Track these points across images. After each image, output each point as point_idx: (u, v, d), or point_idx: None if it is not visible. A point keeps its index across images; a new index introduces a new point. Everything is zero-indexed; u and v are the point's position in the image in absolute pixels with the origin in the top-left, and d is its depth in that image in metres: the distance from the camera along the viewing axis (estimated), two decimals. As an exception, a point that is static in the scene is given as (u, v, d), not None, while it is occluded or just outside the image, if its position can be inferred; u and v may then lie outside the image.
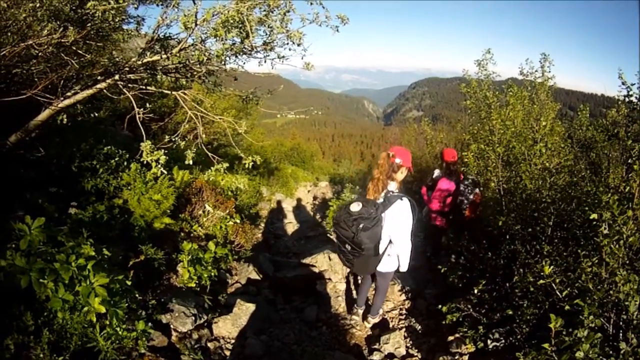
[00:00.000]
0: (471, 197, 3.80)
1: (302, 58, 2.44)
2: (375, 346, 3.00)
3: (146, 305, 2.47)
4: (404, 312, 3.56)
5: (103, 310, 1.82)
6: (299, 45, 2.37)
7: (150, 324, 2.13)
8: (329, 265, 4.11)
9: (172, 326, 2.51)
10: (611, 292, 1.79)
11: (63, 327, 1.82)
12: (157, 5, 2.74)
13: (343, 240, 2.50)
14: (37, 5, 2.35)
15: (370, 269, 2.72)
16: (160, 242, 3.07)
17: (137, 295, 2.30)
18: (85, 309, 1.82)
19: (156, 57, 2.57)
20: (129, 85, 2.79)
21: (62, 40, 2.38)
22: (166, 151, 2.56)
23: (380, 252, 2.57)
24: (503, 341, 2.56)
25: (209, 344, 2.60)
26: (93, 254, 1.93)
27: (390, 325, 3.34)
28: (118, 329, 1.92)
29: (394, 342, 3.00)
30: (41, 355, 1.69)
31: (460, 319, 2.81)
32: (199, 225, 3.77)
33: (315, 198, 10.14)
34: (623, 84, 3.46)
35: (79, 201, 2.98)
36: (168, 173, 3.47)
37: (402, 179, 2.61)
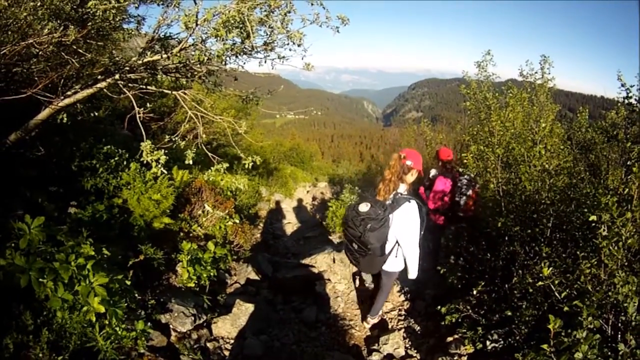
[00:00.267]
0: (469, 192, 3.83)
1: (302, 58, 2.45)
2: (375, 347, 3.00)
3: (145, 305, 2.48)
4: (403, 312, 3.56)
5: (102, 309, 1.82)
6: (299, 45, 2.37)
7: (149, 323, 2.13)
8: (328, 266, 4.10)
9: (171, 326, 2.51)
10: (610, 293, 1.79)
11: (62, 327, 1.82)
12: (158, 4, 2.75)
13: (350, 239, 2.52)
14: (38, 4, 2.35)
15: (375, 268, 2.73)
16: (160, 242, 3.06)
17: (136, 295, 2.30)
18: (85, 308, 1.82)
19: (156, 57, 2.57)
20: (129, 84, 2.78)
21: (63, 39, 2.38)
22: (166, 151, 2.56)
23: (387, 252, 2.57)
24: (502, 342, 2.56)
25: (208, 344, 2.60)
26: (92, 253, 1.93)
27: (390, 326, 3.34)
28: (117, 328, 1.92)
29: (393, 343, 3.00)
30: (40, 355, 1.69)
31: (459, 320, 2.81)
32: (199, 225, 3.77)
33: (314, 198, 10.14)
34: (622, 85, 3.48)
35: (78, 200, 2.98)
36: (168, 173, 3.47)
37: (412, 182, 2.61)
